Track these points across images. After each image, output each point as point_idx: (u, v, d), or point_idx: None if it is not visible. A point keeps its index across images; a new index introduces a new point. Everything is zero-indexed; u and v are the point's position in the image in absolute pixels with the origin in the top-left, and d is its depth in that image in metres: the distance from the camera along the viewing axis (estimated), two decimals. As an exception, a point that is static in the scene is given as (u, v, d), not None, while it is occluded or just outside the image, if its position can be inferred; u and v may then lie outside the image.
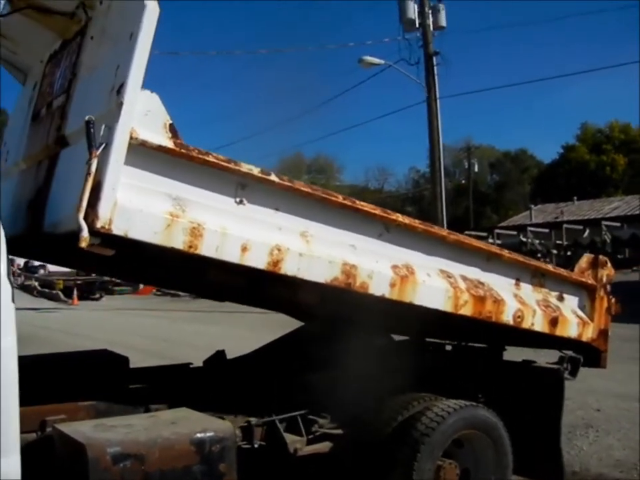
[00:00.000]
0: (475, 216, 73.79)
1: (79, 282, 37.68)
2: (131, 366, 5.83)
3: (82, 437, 3.54)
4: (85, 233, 3.40)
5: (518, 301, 5.34)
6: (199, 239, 3.75)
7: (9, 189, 5.02)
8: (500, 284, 5.29)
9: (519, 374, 6.02)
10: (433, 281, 4.82)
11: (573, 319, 5.71)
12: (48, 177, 4.26)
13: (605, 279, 6.00)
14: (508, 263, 5.40)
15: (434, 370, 5.83)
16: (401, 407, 5.12)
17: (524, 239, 48.53)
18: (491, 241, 50.53)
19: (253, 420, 4.75)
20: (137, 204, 3.59)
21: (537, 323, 5.39)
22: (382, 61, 25.23)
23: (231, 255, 3.89)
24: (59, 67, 4.71)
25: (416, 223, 4.87)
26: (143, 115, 3.63)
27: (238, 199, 4.01)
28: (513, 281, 5.43)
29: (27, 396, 3.94)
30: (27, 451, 3.61)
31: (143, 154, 3.64)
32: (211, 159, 3.85)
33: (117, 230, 3.50)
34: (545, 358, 6.25)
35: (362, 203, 4.58)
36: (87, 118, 3.56)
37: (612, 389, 10.33)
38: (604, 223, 48.01)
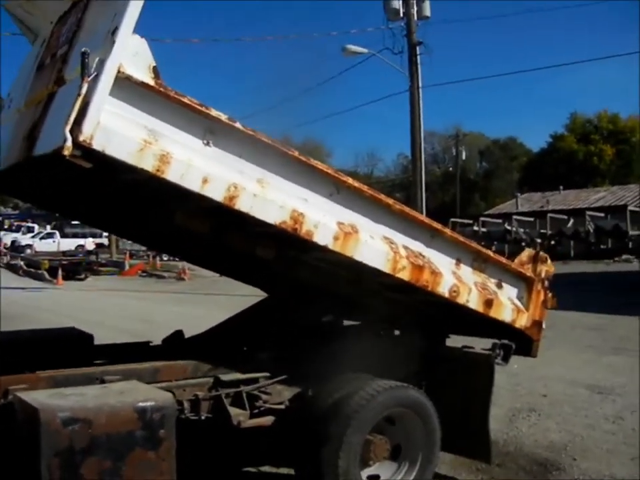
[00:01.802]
0: (463, 203, 74.20)
1: (64, 262, 37.97)
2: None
3: (36, 402, 3.99)
4: (69, 142, 3.93)
5: (456, 277, 5.76)
6: (167, 165, 4.28)
7: (7, 129, 5.51)
8: (440, 260, 5.71)
9: (456, 358, 6.49)
10: (375, 243, 5.26)
11: (508, 304, 6.13)
12: (44, 111, 4.73)
13: (543, 274, 6.42)
14: (450, 241, 5.82)
15: (378, 353, 6.29)
16: (337, 386, 5.60)
17: (509, 227, 49.02)
18: (476, 228, 51.13)
19: (200, 394, 5.23)
20: (117, 127, 4.13)
21: (472, 300, 5.81)
22: (365, 50, 25.55)
23: (193, 184, 4.40)
24: (66, 24, 5.17)
25: (364, 187, 5.32)
26: (132, 55, 4.18)
27: (205, 141, 4.53)
28: (454, 261, 5.84)
29: None
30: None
31: (127, 87, 4.18)
32: (185, 100, 4.38)
33: (97, 145, 4.03)
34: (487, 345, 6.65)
35: (316, 162, 5.07)
36: (83, 49, 4.13)
37: (563, 375, 10.84)
38: (588, 213, 48.51)
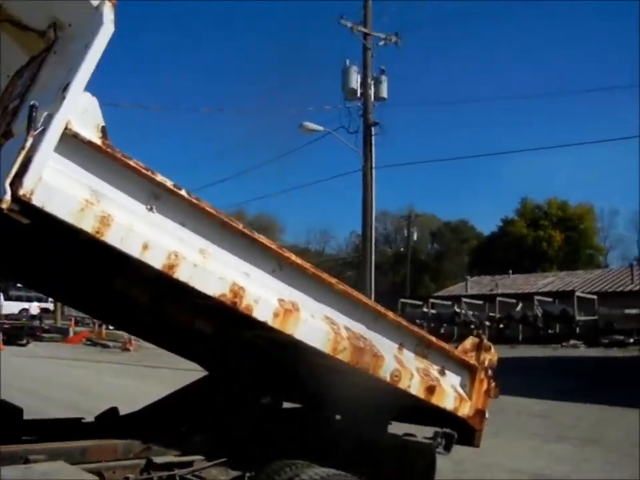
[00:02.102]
0: (414, 284, 74.82)
1: (6, 326, 37.10)
2: (40, 417, 6.10)
3: (-50, 486, 3.80)
4: (8, 196, 3.79)
5: (397, 362, 5.64)
6: (107, 227, 4.14)
7: None
8: (383, 344, 5.59)
9: (397, 446, 6.37)
10: (316, 322, 5.14)
11: (451, 392, 6.05)
12: None
13: (487, 363, 6.36)
14: (393, 325, 5.72)
15: (318, 438, 6.15)
16: (273, 472, 5.42)
17: (458, 310, 49.39)
18: (425, 309, 51.39)
19: (131, 476, 5.01)
20: (59, 185, 4.00)
21: (414, 386, 5.69)
22: (321, 128, 25.85)
23: (133, 249, 4.27)
24: (22, 79, 5.06)
25: (307, 265, 5.22)
26: (81, 113, 4.09)
27: (149, 206, 4.41)
28: (396, 345, 5.73)
29: None
30: None
31: (73, 145, 4.08)
32: (132, 163, 4.26)
33: (37, 201, 3.89)
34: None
35: (260, 236, 4.97)
36: (31, 103, 4.01)
37: (507, 464, 10.76)
38: (536, 297, 49.09)
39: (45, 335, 39.69)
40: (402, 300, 53.38)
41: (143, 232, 4.33)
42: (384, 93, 26.82)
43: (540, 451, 12.08)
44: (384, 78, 27.01)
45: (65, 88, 4.04)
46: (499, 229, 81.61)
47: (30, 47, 5.12)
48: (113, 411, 6.40)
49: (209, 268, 4.60)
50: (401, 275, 77.75)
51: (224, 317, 5.23)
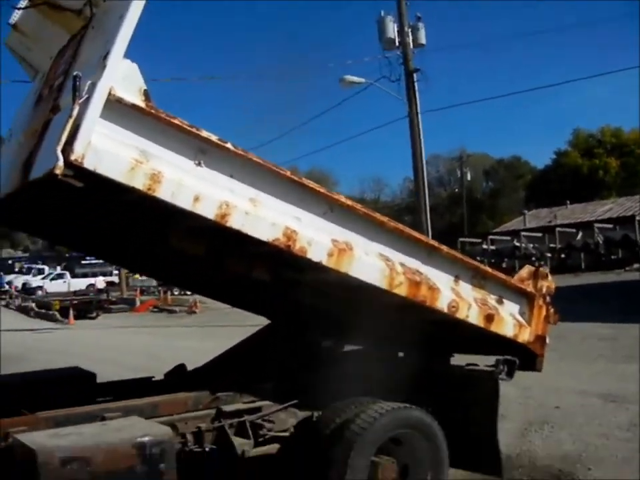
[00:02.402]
0: (471, 223, 74.24)
1: (75, 301, 38.02)
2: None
3: (34, 443, 3.99)
4: (61, 162, 4.00)
5: (454, 293, 5.75)
6: (157, 184, 4.33)
7: (7, 160, 5.61)
8: (439, 277, 5.70)
9: (460, 376, 6.47)
10: (370, 260, 5.27)
11: (509, 319, 6.11)
12: (40, 139, 4.81)
13: (544, 290, 6.41)
14: (447, 258, 5.82)
15: (381, 376, 6.28)
16: (340, 410, 5.58)
17: (517, 244, 48.95)
18: (485, 246, 51.06)
19: (203, 426, 5.22)
20: (108, 148, 4.20)
21: (472, 315, 5.79)
22: (362, 80, 25.61)
23: (184, 202, 4.46)
24: (64, 57, 5.29)
25: (357, 205, 5.36)
26: (122, 79, 4.28)
27: (197, 161, 4.60)
28: (452, 278, 5.84)
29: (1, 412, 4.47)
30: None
31: (118, 110, 4.26)
32: (176, 121, 4.46)
33: (88, 164, 4.10)
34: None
35: (308, 181, 5.11)
36: (75, 73, 4.24)
37: (575, 386, 10.76)
38: (596, 225, 48.40)
39: (112, 306, 40.51)
40: (461, 239, 53.08)
41: (192, 185, 4.48)
42: (422, 39, 26.31)
43: (607, 372, 12.00)
44: (421, 25, 26.51)
45: (105, 56, 4.21)
46: (553, 161, 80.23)
47: (69, 27, 5.31)
48: (181, 367, 6.63)
49: (261, 215, 4.74)
50: (458, 215, 77.26)
51: (279, 263, 5.38)
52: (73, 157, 4.03)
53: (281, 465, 5.50)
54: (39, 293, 51.89)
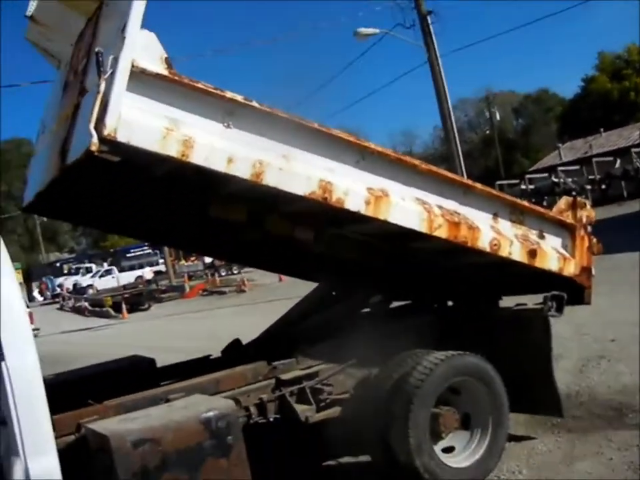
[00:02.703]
0: (506, 164, 73.41)
1: (126, 295, 38.55)
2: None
3: (106, 430, 4.17)
4: (95, 139, 4.19)
5: (495, 231, 5.79)
6: (190, 149, 4.48)
7: (43, 153, 5.84)
8: (477, 216, 5.76)
9: (510, 318, 6.51)
10: (407, 204, 5.36)
11: (553, 253, 6.13)
12: (72, 123, 4.99)
13: (584, 220, 6.40)
14: (484, 196, 5.87)
15: (434, 327, 6.35)
16: (396, 365, 5.68)
17: (555, 180, 48.35)
18: (523, 186, 50.51)
19: (265, 396, 5.35)
20: (138, 119, 4.36)
21: (515, 252, 5.83)
22: (377, 30, 25.35)
23: (218, 165, 4.61)
24: (84, 40, 5.42)
25: (389, 151, 5.47)
26: (143, 49, 4.42)
27: (225, 124, 4.73)
28: (491, 216, 5.88)
29: (67, 404, 4.65)
30: (68, 450, 4.30)
31: (143, 80, 4.42)
32: (200, 85, 4.61)
33: (121, 137, 4.27)
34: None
35: (336, 131, 5.20)
36: (96, 49, 4.41)
37: (629, 318, 10.56)
38: (634, 150, 47.55)
39: (163, 295, 40.95)
40: (498, 182, 52.52)
41: (224, 147, 4.62)
42: (432, -20, 26.08)
43: (661, 299, 11.85)
44: (429, -35, 26.22)
45: (123, 29, 4.36)
46: (582, 89, 78.64)
47: (84, 10, 5.45)
48: (237, 342, 6.77)
49: (295, 170, 4.86)
50: (492, 157, 76.43)
51: (320, 219, 5.54)
52: (106, 132, 4.19)
53: (345, 426, 5.62)
54: (90, 291, 52.66)
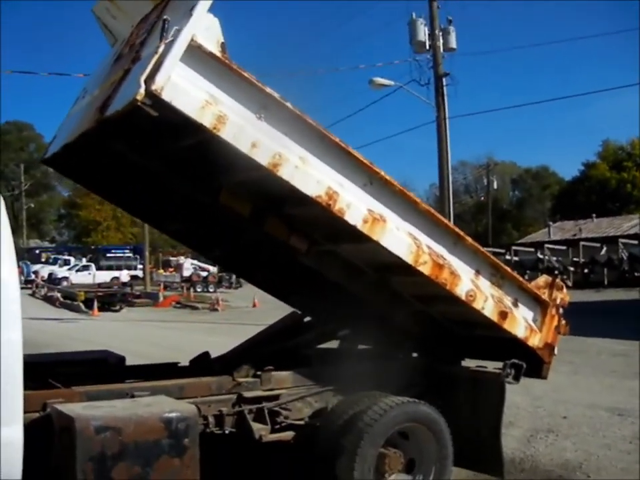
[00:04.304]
0: (496, 232, 74.08)
1: (99, 293, 38.56)
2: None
3: (72, 412, 4.39)
4: (142, 90, 4.56)
5: (474, 284, 6.06)
6: (222, 124, 4.87)
7: (79, 111, 6.15)
8: (461, 267, 6.03)
9: (469, 377, 6.76)
10: (400, 234, 5.68)
11: (522, 322, 6.38)
12: (118, 85, 5.31)
13: (558, 301, 6.67)
14: (471, 250, 6.16)
15: (396, 373, 6.59)
16: (353, 402, 5.91)
17: (541, 256, 48.89)
18: (508, 257, 50.95)
19: (224, 409, 5.58)
20: (184, 86, 4.76)
21: (488, 308, 6.09)
22: (392, 82, 25.76)
23: (243, 146, 4.98)
24: (147, 22, 5.76)
25: (395, 182, 5.76)
26: (204, 29, 4.85)
27: (258, 115, 5.12)
28: (473, 271, 6.15)
29: (38, 385, 4.87)
30: (31, 426, 4.50)
31: (196, 55, 4.81)
32: (245, 74, 5.01)
33: (166, 96, 4.64)
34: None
35: (354, 150, 5.55)
36: (164, 17, 4.83)
37: (584, 398, 10.98)
38: (621, 240, 48.20)
39: (136, 300, 40.87)
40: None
41: (252, 133, 5.02)
42: (452, 43, 26.43)
43: (618, 387, 12.17)
44: (452, 28, 26.57)
45: (192, 8, 4.80)
46: (581, 173, 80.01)
47: None
48: (205, 355, 6.99)
49: (308, 171, 5.25)
50: (483, 224, 77.17)
51: (317, 230, 5.91)
52: (153, 87, 4.56)
53: (294, 450, 5.85)
54: (65, 283, 52.57)
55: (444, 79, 26.12)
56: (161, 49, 4.67)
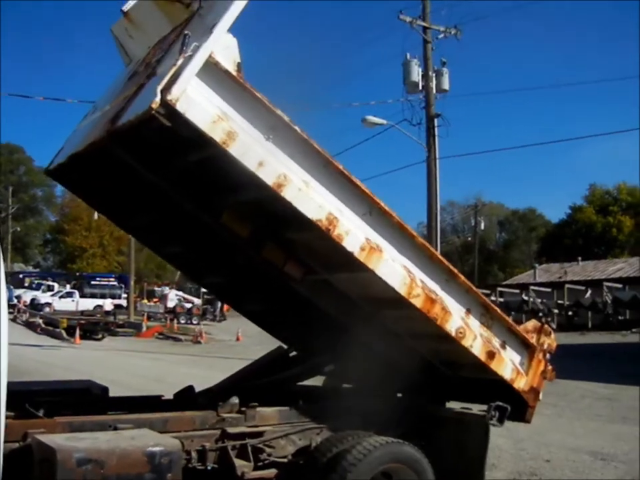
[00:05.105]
0: (482, 273, 74.29)
1: (82, 321, 38.27)
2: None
3: (54, 443, 4.32)
4: (158, 99, 4.65)
5: (464, 322, 6.08)
6: (232, 141, 4.95)
7: (89, 124, 6.19)
8: (452, 305, 6.06)
9: (453, 418, 6.74)
10: (395, 266, 5.71)
11: (509, 364, 6.39)
12: (132, 98, 5.39)
13: (546, 346, 6.69)
14: (463, 287, 6.18)
15: (380, 413, 6.56)
16: (337, 441, 5.87)
17: (526, 298, 48.96)
18: (493, 298, 51.01)
19: (207, 445, 5.52)
20: (198, 100, 4.85)
21: (476, 347, 6.10)
22: (384, 121, 26.04)
23: (250, 163, 5.06)
24: (165, 42, 5.86)
25: (394, 213, 5.80)
26: (223, 48, 4.98)
27: (266, 136, 5.21)
28: (464, 309, 6.17)
29: (19, 414, 4.80)
30: (11, 456, 4.44)
31: (213, 72, 4.92)
32: (258, 95, 5.11)
33: (180, 107, 4.74)
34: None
35: (357, 179, 5.61)
36: (185, 32, 4.96)
37: (568, 442, 10.97)
38: (606, 284, 48.35)
39: (118, 329, 40.60)
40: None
41: (260, 152, 5.10)
42: (445, 84, 26.78)
43: (602, 431, 12.18)
44: (445, 70, 26.97)
45: (212, 27, 4.94)
46: (568, 216, 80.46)
47: (174, 18, 5.96)
48: (190, 389, 6.94)
49: (311, 195, 5.32)
50: (469, 264, 77.31)
51: (314, 257, 5.93)
52: (169, 97, 4.64)
53: None
54: (47, 309, 52.19)
55: (435, 120, 26.40)
56: (179, 62, 4.79)
